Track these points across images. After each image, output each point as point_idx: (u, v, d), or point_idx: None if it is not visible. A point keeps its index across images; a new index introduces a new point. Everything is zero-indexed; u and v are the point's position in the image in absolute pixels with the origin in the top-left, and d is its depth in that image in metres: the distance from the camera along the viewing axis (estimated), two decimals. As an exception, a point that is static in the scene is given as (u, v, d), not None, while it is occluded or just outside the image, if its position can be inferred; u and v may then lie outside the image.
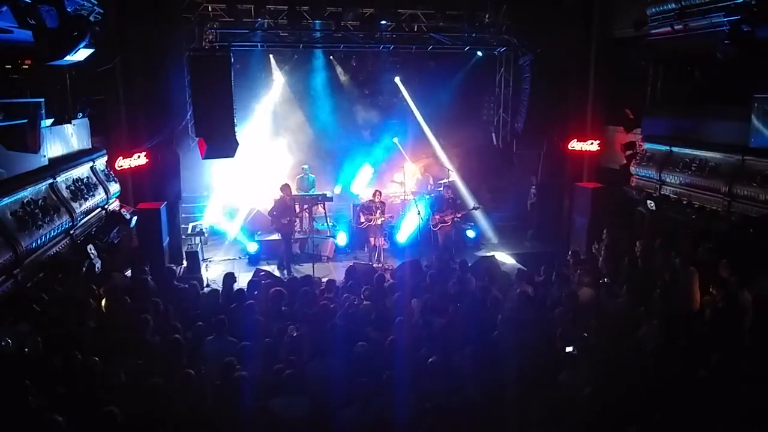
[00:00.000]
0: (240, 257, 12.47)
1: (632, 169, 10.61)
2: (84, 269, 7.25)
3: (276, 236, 12.16)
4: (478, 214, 13.53)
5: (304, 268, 11.40)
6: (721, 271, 7.29)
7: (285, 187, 11.76)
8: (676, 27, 9.23)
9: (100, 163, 9.24)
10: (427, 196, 13.70)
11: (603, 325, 6.61)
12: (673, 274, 7.70)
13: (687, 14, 8.90)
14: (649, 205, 9.88)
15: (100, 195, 8.70)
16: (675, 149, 9.59)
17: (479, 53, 13.52)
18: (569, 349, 5.91)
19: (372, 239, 12.01)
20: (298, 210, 11.89)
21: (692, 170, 9.08)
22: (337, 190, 14.51)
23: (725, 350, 5.62)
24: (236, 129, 10.93)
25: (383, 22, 11.48)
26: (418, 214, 11.83)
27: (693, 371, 5.35)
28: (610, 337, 6.38)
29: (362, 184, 14.59)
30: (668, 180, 9.60)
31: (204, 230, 12.37)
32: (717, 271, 7.36)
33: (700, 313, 7.21)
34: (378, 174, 15.09)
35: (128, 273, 9.16)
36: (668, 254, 8.35)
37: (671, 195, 9.55)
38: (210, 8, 11.12)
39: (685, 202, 9.19)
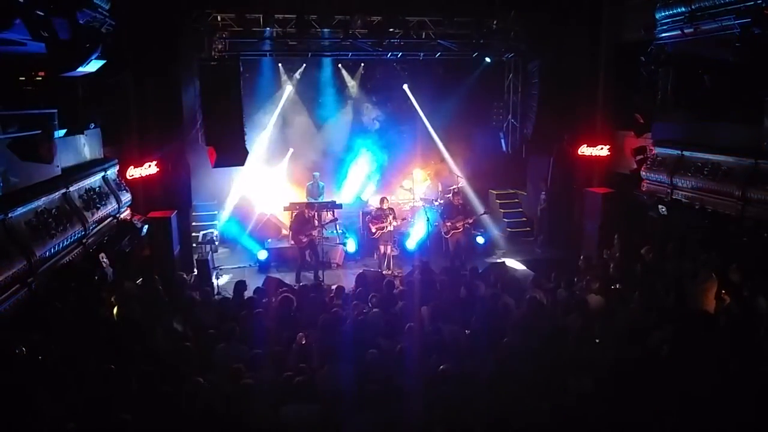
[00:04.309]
0: (250, 265, 12.52)
1: (643, 173, 10.52)
2: (96, 278, 7.30)
3: (287, 244, 12.16)
4: (488, 220, 13.48)
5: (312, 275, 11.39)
6: (732, 276, 7.19)
7: (303, 204, 11.92)
8: (686, 31, 9.18)
9: (112, 172, 9.33)
10: (436, 203, 13.68)
11: (615, 332, 6.53)
12: (686, 280, 7.61)
13: (697, 17, 8.85)
14: (660, 210, 9.77)
15: (111, 204, 8.78)
16: (686, 153, 9.50)
17: (487, 59, 13.53)
18: (581, 355, 5.85)
19: (382, 246, 11.97)
20: (317, 224, 11.66)
21: (704, 174, 8.98)
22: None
23: (743, 358, 5.53)
24: (246, 137, 11.02)
25: (391, 29, 11.52)
26: (427, 220, 11.80)
27: (707, 378, 5.27)
28: (622, 344, 6.31)
29: (371, 191, 14.62)
30: (680, 184, 9.51)
31: (215, 238, 12.43)
32: (729, 277, 7.26)
33: (714, 320, 7.11)
34: (387, 180, 15.12)
35: (139, 281, 9.22)
36: (681, 259, 8.25)
37: (683, 199, 9.45)
38: (219, 18, 11.23)
39: (697, 207, 9.09)
